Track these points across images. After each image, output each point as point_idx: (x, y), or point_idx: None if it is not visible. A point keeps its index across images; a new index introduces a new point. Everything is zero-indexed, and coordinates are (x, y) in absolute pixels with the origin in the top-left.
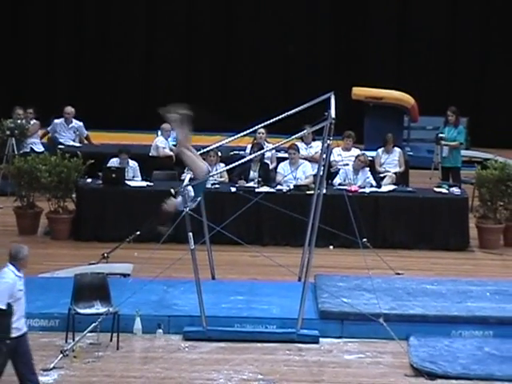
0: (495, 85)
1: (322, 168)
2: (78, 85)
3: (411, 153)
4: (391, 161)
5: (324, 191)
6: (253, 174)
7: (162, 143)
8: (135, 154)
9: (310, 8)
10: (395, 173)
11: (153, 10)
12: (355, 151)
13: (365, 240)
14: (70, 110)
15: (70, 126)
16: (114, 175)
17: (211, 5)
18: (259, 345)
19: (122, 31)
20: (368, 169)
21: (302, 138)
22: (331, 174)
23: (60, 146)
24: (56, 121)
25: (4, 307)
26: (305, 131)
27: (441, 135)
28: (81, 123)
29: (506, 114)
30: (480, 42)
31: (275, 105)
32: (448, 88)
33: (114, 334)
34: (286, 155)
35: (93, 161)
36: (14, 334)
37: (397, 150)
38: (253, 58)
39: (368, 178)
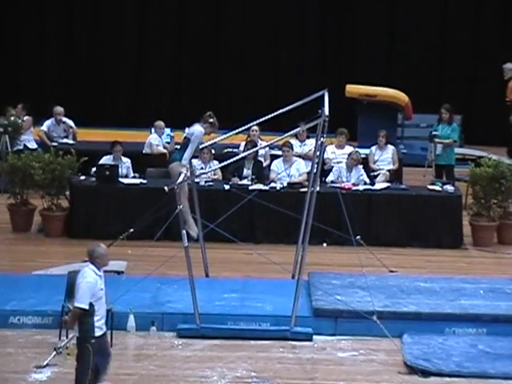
0: (489, 82)
1: (316, 166)
2: (69, 82)
3: (405, 150)
4: (385, 158)
5: (317, 189)
6: (246, 171)
7: (155, 141)
8: (128, 152)
9: (300, 7)
10: (389, 170)
11: (144, 9)
12: (349, 149)
13: (358, 237)
14: (60, 109)
15: (61, 124)
16: (107, 172)
17: (202, 4)
18: (253, 342)
19: (113, 29)
20: (361, 166)
21: (296, 136)
22: (324, 172)
23: (53, 144)
24: (47, 121)
25: (87, 307)
26: (299, 128)
27: (434, 133)
28: (71, 121)
29: (500, 111)
30: (472, 39)
31: (267, 103)
32: (441, 85)
33: (108, 332)
34: (280, 153)
35: (86, 158)
36: (97, 333)
37: (390, 147)
38: (243, 56)
39: (361, 175)
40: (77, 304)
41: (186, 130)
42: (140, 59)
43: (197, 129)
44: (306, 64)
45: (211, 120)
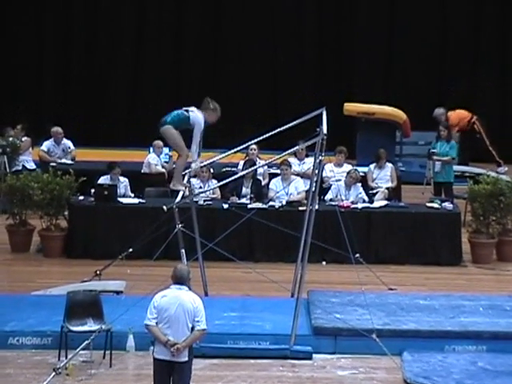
0: (485, 100)
1: (315, 184)
2: (67, 102)
3: (403, 168)
4: (383, 176)
5: (316, 207)
6: (245, 190)
7: (154, 160)
8: (127, 171)
9: (298, 23)
10: (387, 188)
11: (140, 28)
12: (347, 167)
13: (357, 255)
14: (59, 130)
15: (60, 144)
16: (105, 192)
17: (199, 21)
18: (252, 361)
19: (109, 49)
20: (360, 184)
21: (295, 154)
22: (323, 190)
23: (52, 164)
24: (46, 142)
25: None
26: (298, 147)
27: (433, 150)
28: (70, 142)
29: (497, 129)
30: (471, 58)
31: (265, 121)
32: (440, 103)
33: (107, 352)
34: (278, 171)
35: (85, 178)
36: None
37: (389, 165)
38: (242, 74)
39: (360, 193)
40: (205, 326)
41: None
42: (137, 78)
43: (197, 118)
44: (304, 81)
45: (212, 106)
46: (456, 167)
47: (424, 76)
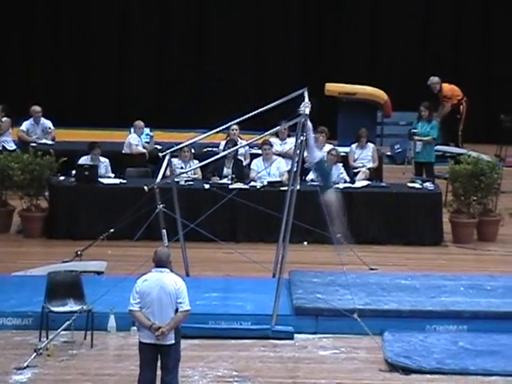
0: (468, 80)
1: (296, 164)
2: (48, 82)
3: (400, 149)
4: (365, 156)
5: (298, 187)
6: (226, 170)
7: (134, 140)
8: (108, 152)
9: (283, 4)
10: (369, 168)
11: (127, 10)
12: (328, 147)
13: (339, 236)
14: (38, 109)
15: (40, 124)
16: (86, 173)
17: (185, 4)
18: (234, 341)
19: (96, 29)
20: (341, 164)
21: (277, 134)
22: (305, 170)
23: (32, 144)
24: (25, 122)
25: None
26: (280, 127)
27: (414, 130)
28: (49, 122)
29: (479, 108)
30: (453, 37)
31: (248, 101)
32: (421, 83)
33: (88, 332)
34: (260, 151)
35: (65, 158)
36: None
37: (370, 145)
38: (225, 55)
39: (341, 173)
40: (188, 307)
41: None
42: (120, 58)
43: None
44: (287, 63)
45: None
46: (437, 147)
47: (406, 56)
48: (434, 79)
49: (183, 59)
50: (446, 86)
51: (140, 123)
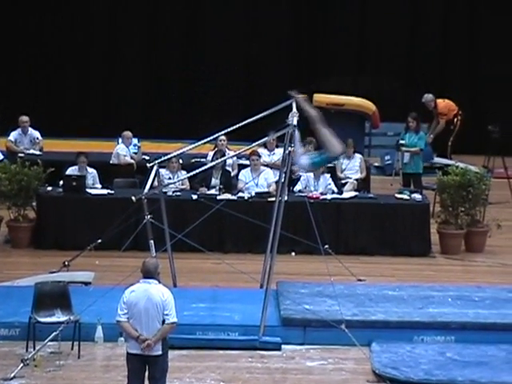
0: (455, 91)
1: (284, 175)
2: (35, 92)
3: (390, 161)
4: (352, 167)
5: (285, 198)
6: (214, 181)
7: (122, 151)
8: (95, 162)
9: (271, 15)
10: (356, 179)
11: (115, 21)
12: None
13: (326, 246)
14: (25, 118)
15: (27, 134)
16: (74, 183)
17: (173, 11)
18: (221, 352)
19: (84, 39)
20: (329, 175)
21: (265, 145)
22: (292, 181)
23: (20, 155)
24: (13, 132)
25: None
26: (268, 138)
27: (401, 141)
28: (37, 132)
29: (467, 119)
30: (440, 48)
31: (236, 111)
32: (409, 94)
33: (76, 343)
34: (248, 162)
35: (53, 169)
36: None
37: (358, 156)
38: (213, 65)
39: (329, 184)
40: (175, 319)
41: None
42: (108, 68)
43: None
44: (276, 73)
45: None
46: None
47: (394, 66)
48: (428, 96)
49: (171, 70)
50: (441, 103)
51: (128, 134)
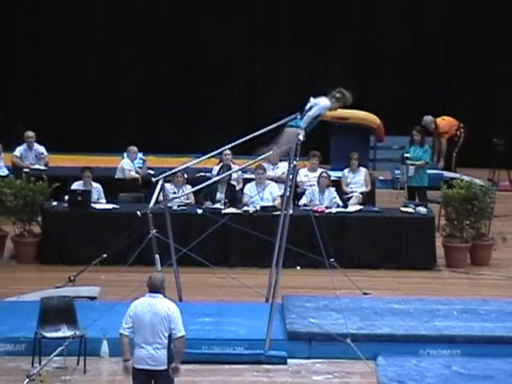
0: (459, 105)
1: (289, 189)
2: (40, 107)
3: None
4: (357, 180)
5: (291, 212)
6: (219, 195)
7: (127, 165)
8: (100, 176)
9: (272, 27)
10: (361, 193)
11: (113, 36)
12: (320, 171)
13: (332, 260)
14: (31, 134)
15: (33, 149)
16: (79, 198)
17: (173, 28)
18: (227, 366)
19: (82, 54)
20: (334, 189)
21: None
22: (297, 195)
23: (25, 170)
24: (19, 147)
25: None
26: (272, 152)
27: (406, 155)
28: (42, 147)
29: (470, 133)
30: (444, 63)
31: (240, 127)
32: (413, 107)
33: (81, 358)
34: (253, 176)
35: (58, 184)
36: None
37: (362, 169)
38: (216, 79)
39: (334, 198)
40: (183, 333)
41: (312, 99)
42: (111, 84)
43: (323, 100)
44: (280, 86)
45: (338, 95)
46: (430, 171)
47: (398, 80)
48: (428, 119)
49: (175, 84)
50: (442, 122)
51: (134, 148)
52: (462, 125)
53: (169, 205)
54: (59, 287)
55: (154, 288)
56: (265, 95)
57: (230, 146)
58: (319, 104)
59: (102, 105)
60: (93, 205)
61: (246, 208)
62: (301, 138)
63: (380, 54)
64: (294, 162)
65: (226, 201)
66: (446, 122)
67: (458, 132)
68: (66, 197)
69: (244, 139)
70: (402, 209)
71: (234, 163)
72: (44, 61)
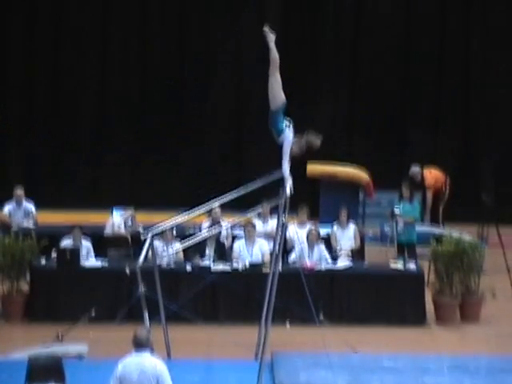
0: (447, 159)
1: (278, 246)
2: (30, 162)
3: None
4: (346, 236)
5: (280, 268)
6: (208, 251)
7: (116, 222)
8: (89, 233)
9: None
10: (351, 250)
11: (106, 78)
12: (308, 226)
13: (321, 317)
14: (20, 192)
15: (21, 207)
16: (68, 256)
17: (164, 67)
18: None
19: (72, 103)
20: (323, 245)
21: (259, 214)
22: (287, 251)
23: (14, 230)
24: (8, 205)
25: None
26: (262, 208)
27: (396, 210)
28: (31, 205)
29: (459, 188)
30: (431, 111)
31: (228, 179)
32: (402, 163)
33: None
34: (241, 231)
35: (47, 243)
36: None
37: (351, 226)
38: (205, 130)
39: (323, 253)
40: None
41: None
42: (100, 139)
43: (288, 136)
44: (268, 139)
45: (305, 138)
46: (418, 228)
47: (387, 133)
48: (415, 169)
49: (162, 140)
50: (428, 175)
51: (123, 207)
52: (448, 180)
53: (158, 262)
54: (47, 345)
55: (140, 345)
56: (254, 145)
57: (220, 202)
58: (285, 139)
59: (92, 162)
60: (82, 262)
61: (235, 265)
62: (288, 191)
63: (369, 106)
64: (283, 219)
65: (215, 257)
66: (432, 175)
67: (443, 187)
68: (54, 254)
69: (234, 196)
70: (392, 265)
71: (222, 219)
72: (34, 112)
